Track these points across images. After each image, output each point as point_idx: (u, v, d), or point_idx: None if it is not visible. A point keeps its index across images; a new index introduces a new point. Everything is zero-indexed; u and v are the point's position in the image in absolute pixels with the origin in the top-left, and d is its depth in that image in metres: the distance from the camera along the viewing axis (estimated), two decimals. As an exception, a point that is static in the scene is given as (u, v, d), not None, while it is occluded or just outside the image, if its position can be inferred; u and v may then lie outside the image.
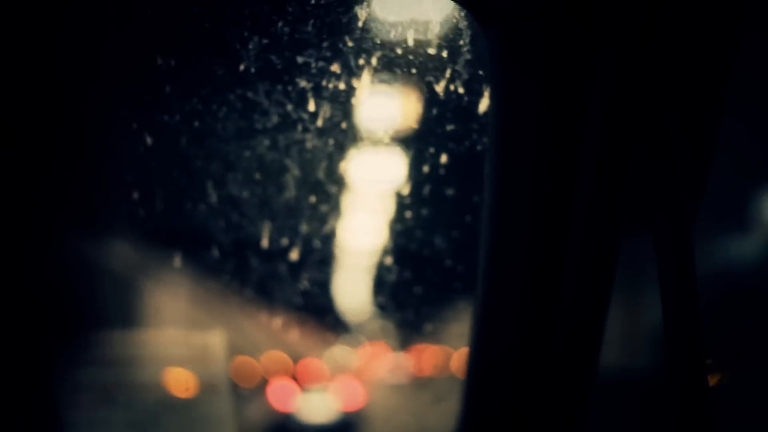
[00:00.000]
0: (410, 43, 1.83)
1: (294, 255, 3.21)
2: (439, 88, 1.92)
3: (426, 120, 2.22)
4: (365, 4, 1.76)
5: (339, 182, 2.80)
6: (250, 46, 1.89)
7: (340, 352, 9.24)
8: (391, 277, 3.87)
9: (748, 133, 2.07)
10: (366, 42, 1.86)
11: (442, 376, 9.13)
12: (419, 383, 9.73)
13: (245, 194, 2.87)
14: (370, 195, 3.23)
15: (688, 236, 1.14)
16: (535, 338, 1.41)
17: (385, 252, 3.68)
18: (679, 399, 1.10)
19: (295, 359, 8.82)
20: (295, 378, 8.70)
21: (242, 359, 8.10)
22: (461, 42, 1.77)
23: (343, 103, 2.13)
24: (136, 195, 2.69)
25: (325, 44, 1.89)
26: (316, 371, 9.03)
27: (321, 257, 3.37)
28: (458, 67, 1.83)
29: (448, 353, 8.95)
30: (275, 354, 8.67)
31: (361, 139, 2.53)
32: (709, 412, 1.09)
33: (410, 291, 4.25)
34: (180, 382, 2.54)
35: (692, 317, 1.11)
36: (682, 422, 1.10)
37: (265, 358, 8.51)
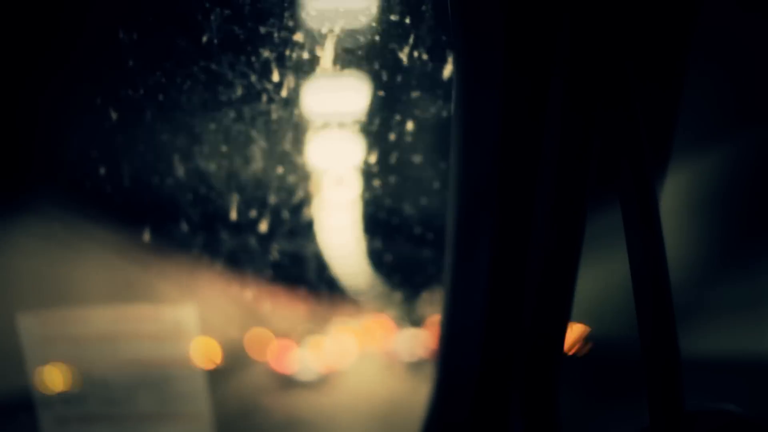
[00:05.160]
0: (373, 10, 1.83)
1: (263, 227, 3.21)
2: (403, 55, 1.92)
3: (391, 88, 2.22)
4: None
5: (306, 152, 2.80)
6: (212, 18, 1.88)
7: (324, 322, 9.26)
8: (374, 245, 3.88)
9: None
10: (328, 10, 1.86)
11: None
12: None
13: (212, 167, 2.87)
14: (337, 165, 3.23)
15: (654, 192, 1.14)
16: (505, 298, 1.42)
17: (358, 221, 3.69)
18: (650, 361, 1.10)
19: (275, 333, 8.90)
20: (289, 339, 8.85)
21: (257, 331, 8.27)
22: (424, 8, 1.78)
23: (307, 72, 2.13)
24: (102, 170, 2.67)
25: (287, 14, 1.89)
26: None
27: (290, 228, 3.37)
28: (422, 33, 1.84)
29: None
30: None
31: (326, 109, 2.52)
32: (679, 371, 1.09)
33: (386, 263, 4.26)
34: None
35: (660, 274, 1.10)
36: (653, 381, 1.10)
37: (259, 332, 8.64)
